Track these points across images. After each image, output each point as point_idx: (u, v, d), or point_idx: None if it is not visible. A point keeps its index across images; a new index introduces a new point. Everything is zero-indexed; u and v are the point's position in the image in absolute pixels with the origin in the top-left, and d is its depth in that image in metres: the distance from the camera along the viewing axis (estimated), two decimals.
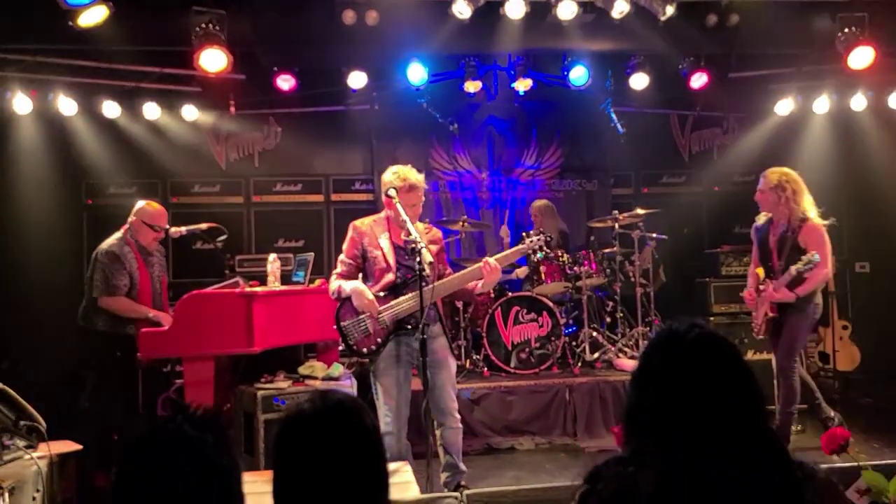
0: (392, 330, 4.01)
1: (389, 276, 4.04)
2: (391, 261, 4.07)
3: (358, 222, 4.22)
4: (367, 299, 3.97)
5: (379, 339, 3.98)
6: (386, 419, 3.98)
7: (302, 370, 5.16)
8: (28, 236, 6.92)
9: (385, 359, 4.00)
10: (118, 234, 5.05)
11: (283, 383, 4.95)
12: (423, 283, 3.82)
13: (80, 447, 4.05)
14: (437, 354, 4.10)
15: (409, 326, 4.02)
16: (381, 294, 4.00)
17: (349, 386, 5.12)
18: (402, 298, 4.01)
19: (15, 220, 7.05)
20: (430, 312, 4.06)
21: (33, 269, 6.92)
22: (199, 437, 1.46)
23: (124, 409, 4.90)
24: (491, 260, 4.08)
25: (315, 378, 5.08)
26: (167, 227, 5.17)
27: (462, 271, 4.17)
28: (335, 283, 4.12)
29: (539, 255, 6.39)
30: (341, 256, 4.23)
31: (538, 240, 4.54)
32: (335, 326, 4.09)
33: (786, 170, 5.09)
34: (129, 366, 4.85)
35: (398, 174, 4.18)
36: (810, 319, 5.02)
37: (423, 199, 4.29)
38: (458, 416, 4.23)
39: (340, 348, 4.09)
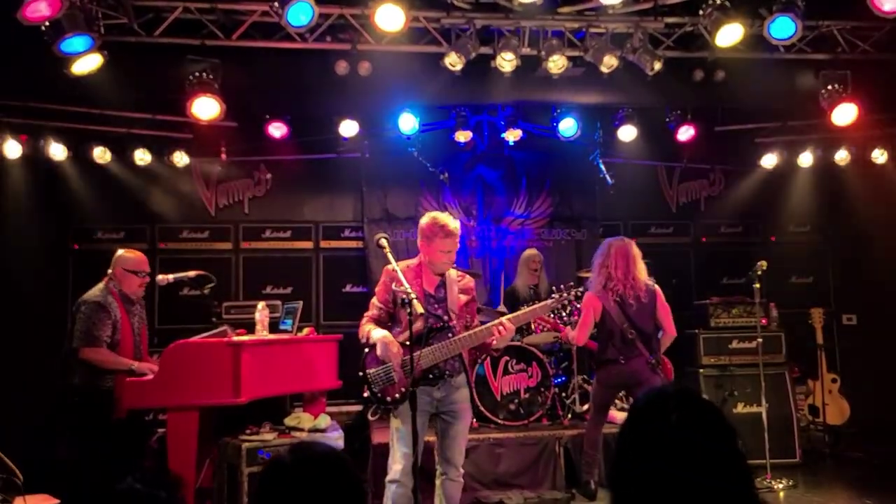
0: (417, 379, 3.94)
1: (418, 324, 3.95)
2: (420, 308, 3.91)
3: (391, 266, 4.10)
4: (392, 350, 3.88)
5: (403, 388, 3.91)
6: (396, 467, 3.90)
7: (288, 421, 5.07)
8: (12, 281, 6.78)
9: (406, 407, 3.92)
10: (101, 285, 4.89)
11: (268, 435, 4.85)
12: (443, 333, 3.93)
13: (57, 502, 3.94)
14: (458, 405, 4.07)
15: (432, 376, 3.98)
16: (408, 343, 3.92)
17: (336, 438, 5.04)
18: (427, 349, 3.95)
19: None
20: (455, 363, 4.04)
21: (16, 313, 6.79)
22: (153, 494, 1.50)
23: (103, 462, 4.71)
24: (506, 321, 4.04)
25: (301, 430, 4.98)
26: (149, 271, 5.08)
27: (477, 329, 4.10)
28: (366, 327, 4.05)
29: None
30: (374, 300, 4.17)
31: (568, 294, 4.44)
32: (360, 373, 4.00)
33: None
34: (107, 420, 4.64)
35: (436, 220, 4.17)
36: None
37: (458, 245, 4.29)
38: (461, 470, 4.15)
39: (365, 394, 3.98)
